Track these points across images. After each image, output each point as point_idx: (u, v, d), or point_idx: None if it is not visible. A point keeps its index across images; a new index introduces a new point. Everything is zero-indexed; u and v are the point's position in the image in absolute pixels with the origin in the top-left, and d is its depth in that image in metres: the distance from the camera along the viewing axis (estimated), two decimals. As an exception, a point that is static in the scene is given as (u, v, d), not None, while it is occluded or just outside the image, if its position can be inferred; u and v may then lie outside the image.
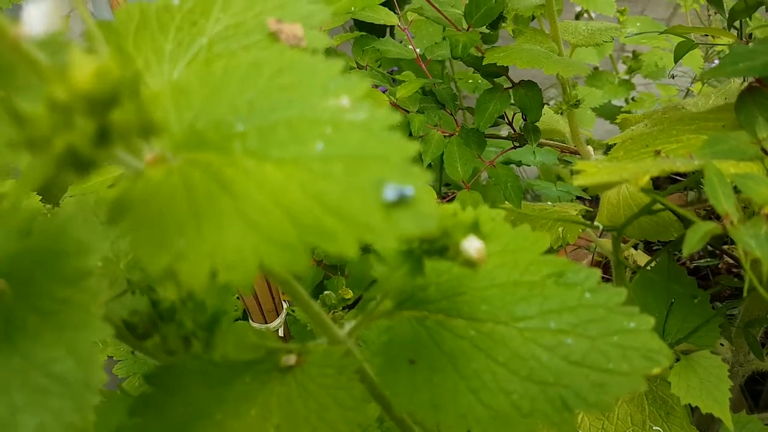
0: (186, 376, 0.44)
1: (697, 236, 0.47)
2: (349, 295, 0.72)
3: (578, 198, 1.52)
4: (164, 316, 0.40)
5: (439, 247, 0.39)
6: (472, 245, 0.36)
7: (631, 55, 1.61)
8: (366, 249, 0.37)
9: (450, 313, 0.46)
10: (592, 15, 1.60)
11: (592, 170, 0.54)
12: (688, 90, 1.61)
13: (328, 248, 0.31)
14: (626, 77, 1.62)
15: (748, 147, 0.55)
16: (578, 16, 1.56)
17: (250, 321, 0.91)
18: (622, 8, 1.50)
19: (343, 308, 0.73)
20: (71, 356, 0.35)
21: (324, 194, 0.31)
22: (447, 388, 0.43)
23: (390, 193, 0.31)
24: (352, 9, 0.77)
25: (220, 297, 0.41)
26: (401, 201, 0.31)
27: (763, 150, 0.55)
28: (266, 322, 0.90)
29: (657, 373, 0.81)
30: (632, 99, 1.63)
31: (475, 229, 0.38)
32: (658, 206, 0.61)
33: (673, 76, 1.40)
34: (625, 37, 1.24)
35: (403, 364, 0.44)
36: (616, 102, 1.67)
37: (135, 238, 0.32)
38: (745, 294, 0.54)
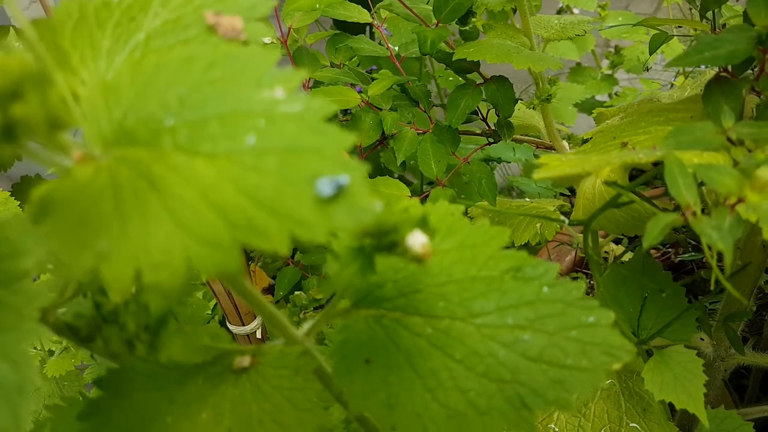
0: (136, 380, 0.43)
1: (657, 228, 0.46)
2: (321, 295, 0.71)
3: (562, 195, 1.51)
4: (107, 318, 0.39)
5: (387, 243, 0.38)
6: (416, 240, 0.35)
7: (613, 49, 1.60)
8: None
9: (407, 311, 0.45)
10: (575, 11, 1.60)
11: (554, 163, 0.54)
12: (672, 84, 1.61)
13: (261, 246, 0.30)
14: (609, 72, 1.62)
15: (713, 137, 0.54)
16: (560, 12, 1.55)
17: (228, 324, 0.90)
18: (603, 3, 1.50)
19: (315, 309, 0.72)
20: (4, 360, 0.34)
21: (256, 189, 0.30)
22: (403, 388, 0.42)
23: (325, 186, 0.30)
24: (317, 6, 0.76)
25: (167, 299, 0.40)
26: (336, 195, 0.30)
27: (729, 140, 0.54)
28: (243, 325, 0.89)
29: (634, 369, 0.80)
30: (615, 94, 1.62)
31: (422, 224, 0.37)
32: (627, 199, 0.60)
33: (647, 69, 1.39)
34: (601, 29, 1.23)
35: (359, 364, 0.43)
36: (600, 97, 1.67)
37: (58, 239, 0.31)
38: (712, 287, 0.54)
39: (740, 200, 0.49)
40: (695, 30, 1.16)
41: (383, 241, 0.38)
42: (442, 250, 0.47)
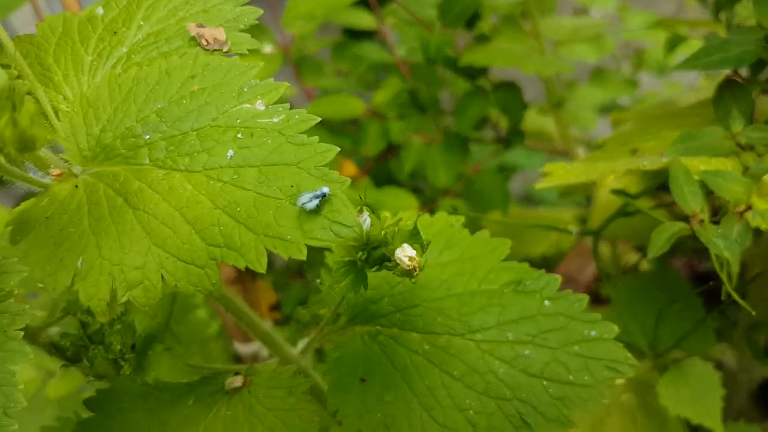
0: (125, 401, 0.42)
1: (663, 238, 0.44)
2: (325, 312, 0.70)
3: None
4: (93, 338, 0.38)
5: (377, 256, 0.37)
6: (404, 254, 0.34)
7: (634, 50, 1.57)
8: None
9: (404, 327, 0.44)
10: (593, 13, 1.57)
11: (559, 172, 0.52)
12: (694, 86, 1.57)
13: (237, 263, 0.29)
14: (630, 74, 1.58)
15: (721, 142, 0.52)
16: (576, 14, 1.53)
17: (234, 342, 0.89)
18: (621, 5, 1.47)
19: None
20: (-15, 382, 0.33)
21: (234, 205, 0.29)
22: (399, 407, 0.41)
23: (306, 201, 0.29)
24: (316, 14, 0.75)
25: (154, 318, 0.40)
26: (317, 209, 0.29)
27: (739, 145, 0.52)
28: (249, 341, 0.88)
29: (651, 383, 0.77)
30: (637, 98, 1.59)
31: (414, 236, 0.36)
32: (633, 208, 0.58)
33: (665, 71, 1.36)
34: (623, 31, 1.21)
35: (354, 383, 0.42)
36: (622, 101, 1.63)
37: (35, 257, 0.30)
38: (723, 298, 0.52)
39: (749, 207, 0.47)
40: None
41: (373, 255, 0.37)
42: (440, 263, 0.46)
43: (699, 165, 0.48)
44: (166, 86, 0.32)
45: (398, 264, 0.36)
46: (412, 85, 0.86)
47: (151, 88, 0.32)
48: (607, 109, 1.59)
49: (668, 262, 0.91)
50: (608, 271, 0.94)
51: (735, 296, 0.46)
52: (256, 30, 0.39)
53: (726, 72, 0.93)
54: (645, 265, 1.04)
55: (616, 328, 0.42)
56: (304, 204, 0.29)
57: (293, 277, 0.94)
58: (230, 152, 0.30)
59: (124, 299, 0.29)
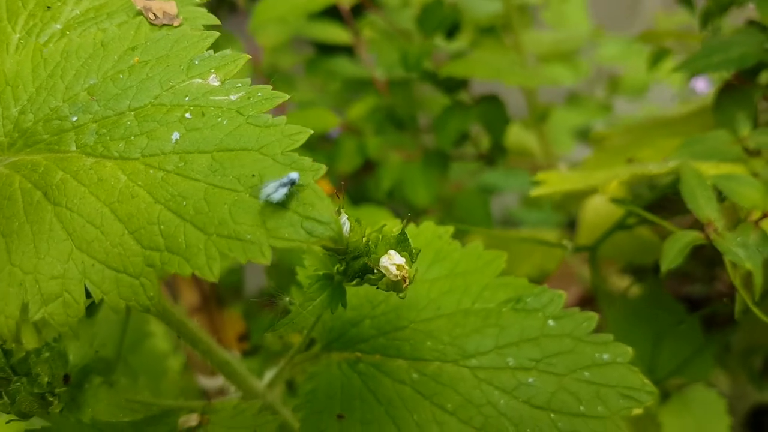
0: (61, 444, 0.35)
1: (676, 248, 0.39)
2: (298, 339, 0.63)
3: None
4: (17, 369, 0.31)
5: (358, 267, 0.31)
6: (391, 261, 0.29)
7: (608, 76, 1.56)
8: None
9: (388, 353, 0.38)
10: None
11: (554, 180, 0.47)
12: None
13: (182, 270, 0.23)
14: (604, 99, 1.57)
15: (729, 146, 0.48)
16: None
17: (199, 376, 0.82)
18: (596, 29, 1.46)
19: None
20: None
21: (179, 199, 0.24)
22: (383, 447, 0.35)
23: (271, 192, 0.23)
24: (288, 19, 0.71)
25: (92, 346, 0.33)
26: (284, 203, 0.24)
27: (746, 150, 0.48)
28: (215, 375, 0.81)
29: (650, 411, 0.72)
30: (610, 122, 1.58)
31: (400, 243, 0.31)
32: (634, 220, 0.54)
33: (645, 92, 1.35)
34: (603, 55, 1.19)
35: (330, 420, 0.36)
36: (597, 126, 1.61)
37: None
38: (737, 316, 0.47)
39: (765, 215, 0.43)
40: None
41: (353, 266, 0.31)
42: (428, 279, 0.40)
43: (707, 170, 0.44)
44: (101, 60, 0.27)
45: (383, 276, 0.31)
46: (389, 100, 0.81)
47: (83, 62, 0.27)
48: (582, 133, 1.56)
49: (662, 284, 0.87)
50: (595, 292, 0.89)
51: (758, 313, 0.41)
52: (223, 40, 0.34)
53: (696, 91, 0.89)
54: (633, 288, 0.99)
55: (630, 351, 0.37)
56: (268, 196, 0.23)
57: (265, 305, 0.87)
58: (175, 135, 0.25)
59: (38, 316, 0.23)
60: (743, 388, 0.88)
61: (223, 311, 0.86)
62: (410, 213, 0.97)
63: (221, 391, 0.83)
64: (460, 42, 0.78)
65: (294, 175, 0.23)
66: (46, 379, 0.31)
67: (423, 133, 0.85)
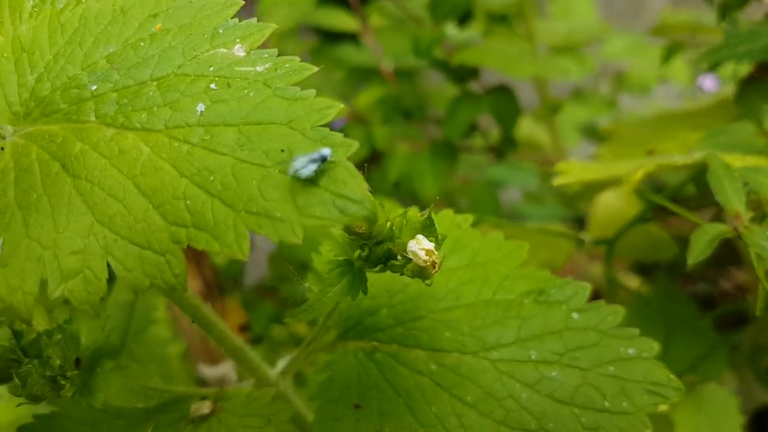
0: (70, 429, 0.34)
1: (704, 240, 0.38)
2: (305, 330, 0.63)
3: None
4: (28, 351, 0.30)
5: (382, 253, 0.30)
6: (420, 246, 0.27)
7: (614, 73, 1.55)
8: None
9: (406, 343, 0.37)
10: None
11: (575, 170, 0.46)
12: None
13: (210, 248, 0.22)
14: (610, 96, 1.56)
15: (753, 138, 0.47)
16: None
17: (199, 365, 0.81)
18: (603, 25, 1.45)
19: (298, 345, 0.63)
20: None
21: (206, 173, 0.22)
22: (401, 439, 0.34)
23: (301, 167, 0.22)
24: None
25: (104, 329, 0.32)
26: (314, 178, 0.22)
27: (771, 142, 0.47)
28: (216, 363, 0.80)
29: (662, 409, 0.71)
30: (616, 119, 1.57)
31: (427, 228, 0.29)
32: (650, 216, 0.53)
33: (651, 88, 1.34)
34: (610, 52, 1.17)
35: (347, 409, 0.35)
36: (602, 122, 1.61)
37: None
38: (758, 312, 0.46)
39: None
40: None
41: (376, 251, 0.30)
42: (447, 268, 0.39)
43: (733, 162, 0.43)
44: (121, 26, 0.25)
45: (407, 262, 0.29)
46: (396, 89, 0.80)
47: (102, 29, 0.25)
48: (587, 129, 1.55)
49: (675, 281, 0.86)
50: (604, 290, 0.88)
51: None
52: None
53: (702, 89, 0.88)
54: (639, 285, 0.98)
55: (656, 346, 0.36)
56: (297, 171, 0.22)
57: (265, 295, 0.86)
58: (200, 107, 0.23)
59: (58, 294, 0.22)
60: (750, 387, 0.88)
61: (224, 301, 0.85)
62: (417, 205, 0.95)
63: (221, 381, 0.82)
64: (472, 30, 0.77)
65: (326, 151, 0.22)
66: (58, 362, 0.29)
67: (430, 123, 0.84)
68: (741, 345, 0.84)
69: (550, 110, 0.77)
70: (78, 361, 0.31)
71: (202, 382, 0.73)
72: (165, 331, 0.60)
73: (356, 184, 0.22)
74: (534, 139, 0.90)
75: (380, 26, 0.79)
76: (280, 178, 0.22)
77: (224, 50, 0.24)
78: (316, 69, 0.24)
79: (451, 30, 0.72)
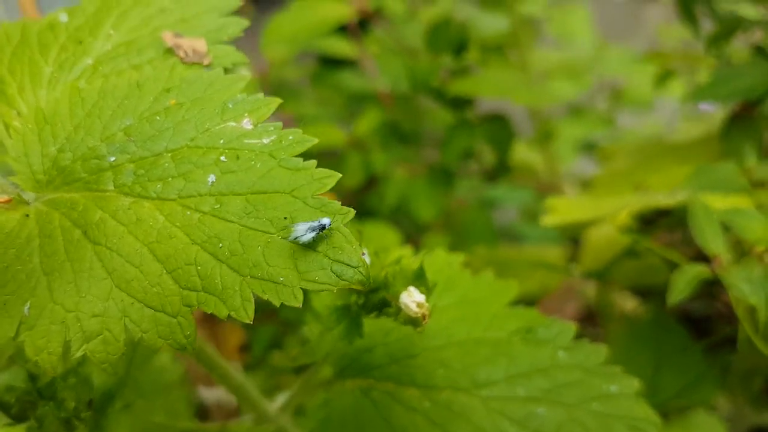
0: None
1: (684, 281, 0.40)
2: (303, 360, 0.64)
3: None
4: (43, 393, 0.32)
5: (377, 301, 0.32)
6: (411, 298, 0.29)
7: (610, 89, 1.57)
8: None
9: (400, 381, 0.39)
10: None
11: (563, 208, 0.48)
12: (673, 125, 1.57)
13: (218, 311, 0.24)
14: (606, 113, 1.58)
15: (736, 178, 0.49)
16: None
17: (198, 386, 0.82)
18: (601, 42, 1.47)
19: (298, 370, 0.65)
20: None
21: (215, 240, 0.24)
22: (396, 474, 0.36)
23: (301, 234, 0.24)
24: (299, 37, 0.71)
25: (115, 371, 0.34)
26: (313, 244, 0.25)
27: (752, 181, 0.49)
28: (214, 385, 0.81)
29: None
30: (614, 135, 1.58)
31: (419, 278, 0.32)
32: (642, 247, 0.55)
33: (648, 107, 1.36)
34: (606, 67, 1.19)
35: (344, 446, 0.37)
36: (598, 138, 1.62)
37: (-30, 302, 0.25)
38: (739, 346, 0.48)
39: (769, 249, 0.44)
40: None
41: (372, 299, 0.32)
42: (440, 307, 0.41)
43: (716, 202, 0.45)
44: (137, 100, 0.27)
45: (400, 310, 0.32)
46: (393, 114, 0.82)
47: (119, 103, 0.28)
48: (585, 146, 1.57)
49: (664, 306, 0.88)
50: (598, 314, 0.90)
51: (761, 346, 0.42)
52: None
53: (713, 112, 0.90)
54: (633, 309, 1.00)
55: (637, 383, 0.38)
56: (298, 237, 0.24)
57: (264, 316, 0.88)
58: (211, 178, 0.26)
59: (80, 353, 0.24)
60: (742, 409, 0.89)
61: (224, 322, 0.86)
62: (414, 229, 0.97)
63: (220, 402, 0.83)
64: (467, 59, 0.79)
65: (326, 220, 0.24)
66: (73, 404, 0.32)
67: (427, 146, 0.86)
68: (734, 367, 0.85)
69: (543, 138, 0.79)
70: (90, 403, 0.33)
71: (201, 405, 0.75)
72: (166, 357, 0.62)
73: (352, 251, 0.24)
74: (529, 164, 0.92)
75: (379, 55, 0.81)
76: (283, 244, 0.24)
77: (233, 123, 0.26)
78: (316, 141, 0.26)
79: (446, 61, 0.75)
